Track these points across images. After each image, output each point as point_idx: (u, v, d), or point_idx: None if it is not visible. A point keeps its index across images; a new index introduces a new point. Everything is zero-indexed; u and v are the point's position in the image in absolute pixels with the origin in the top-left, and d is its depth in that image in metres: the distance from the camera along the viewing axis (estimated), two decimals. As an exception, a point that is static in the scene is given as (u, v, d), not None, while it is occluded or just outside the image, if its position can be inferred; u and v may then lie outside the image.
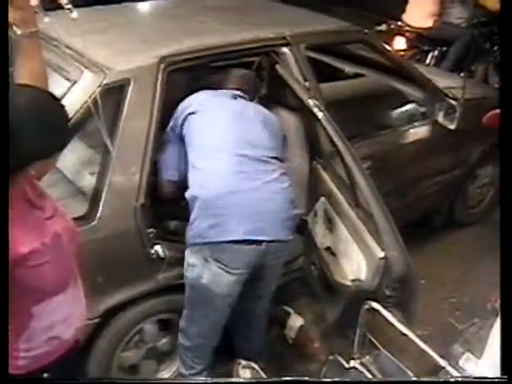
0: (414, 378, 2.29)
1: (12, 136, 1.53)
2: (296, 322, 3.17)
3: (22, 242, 1.63)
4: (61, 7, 1.92)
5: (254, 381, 2.16)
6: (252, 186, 2.52)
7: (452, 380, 1.18)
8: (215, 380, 1.71)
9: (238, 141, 2.61)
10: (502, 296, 1.02)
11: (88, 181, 2.62)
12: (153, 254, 2.60)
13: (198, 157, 2.60)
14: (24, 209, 1.70)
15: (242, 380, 2.44)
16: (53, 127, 1.62)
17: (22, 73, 1.84)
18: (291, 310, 3.22)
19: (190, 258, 2.55)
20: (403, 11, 6.54)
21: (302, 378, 2.66)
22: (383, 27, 7.46)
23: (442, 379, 2.13)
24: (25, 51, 1.84)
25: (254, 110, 2.78)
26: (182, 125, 2.67)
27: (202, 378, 2.64)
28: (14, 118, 1.54)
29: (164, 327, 2.87)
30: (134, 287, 2.63)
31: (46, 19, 1.86)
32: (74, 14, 1.88)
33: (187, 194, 2.57)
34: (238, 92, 2.80)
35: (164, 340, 2.88)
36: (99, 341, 2.63)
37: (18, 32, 1.81)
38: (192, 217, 2.53)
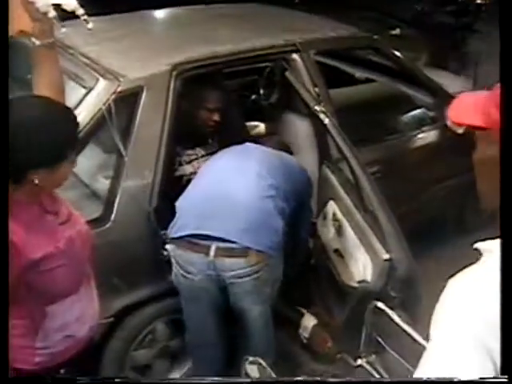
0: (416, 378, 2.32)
1: (14, 144, 1.60)
2: (310, 321, 3.18)
3: (34, 247, 1.71)
4: (76, 17, 2.00)
5: (254, 381, 2.20)
6: (218, 187, 2.62)
7: (452, 380, 1.21)
8: (215, 380, 1.75)
9: (227, 166, 2.73)
10: (502, 296, 1.07)
11: (103, 184, 2.71)
12: (165, 256, 2.68)
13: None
14: (35, 215, 1.78)
15: (242, 380, 2.49)
16: (57, 139, 1.69)
17: (40, 81, 1.92)
18: (304, 310, 3.24)
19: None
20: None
21: (302, 378, 2.72)
22: (397, 31, 7.50)
23: (442, 379, 2.17)
24: (42, 61, 1.92)
25: (275, 152, 2.85)
26: None
27: (204, 378, 2.69)
28: (19, 127, 1.61)
29: (176, 327, 2.94)
30: (147, 288, 2.72)
31: (63, 30, 1.93)
32: (90, 25, 1.94)
33: None
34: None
35: (176, 339, 2.96)
36: (113, 340, 2.71)
37: (37, 42, 1.90)
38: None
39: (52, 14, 1.86)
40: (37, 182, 1.69)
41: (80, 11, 1.92)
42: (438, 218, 4.09)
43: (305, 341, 3.20)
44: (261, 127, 3.86)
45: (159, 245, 2.66)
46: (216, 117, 2.99)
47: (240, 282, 2.55)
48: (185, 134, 2.97)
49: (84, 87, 2.62)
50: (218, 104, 2.98)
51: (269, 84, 3.77)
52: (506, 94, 1.11)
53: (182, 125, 2.81)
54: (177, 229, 2.60)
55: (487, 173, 1.20)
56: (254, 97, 3.90)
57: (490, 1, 8.07)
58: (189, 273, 2.57)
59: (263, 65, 3.62)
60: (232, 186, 2.62)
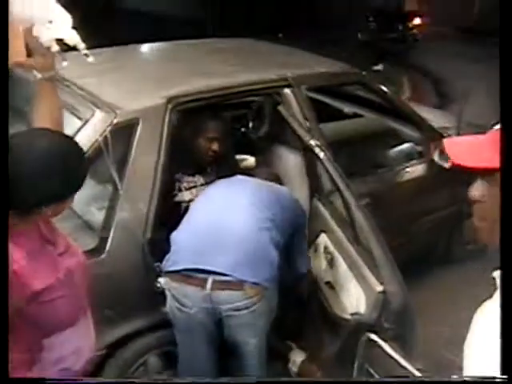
0: (415, 378, 2.33)
1: (30, 178, 1.63)
2: (298, 356, 3.18)
3: (36, 278, 1.70)
4: (74, 49, 2.02)
5: (255, 381, 2.20)
6: (213, 220, 2.63)
7: (452, 380, 1.22)
8: (215, 380, 1.75)
9: (221, 199, 2.74)
10: (502, 296, 1.12)
11: (96, 216, 2.72)
12: (159, 288, 2.68)
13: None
14: (38, 245, 1.78)
15: (242, 380, 2.47)
16: (72, 171, 1.72)
17: (40, 113, 1.95)
18: (293, 345, 3.23)
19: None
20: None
21: (302, 379, 2.71)
22: (379, 67, 7.68)
23: (441, 379, 2.17)
24: (43, 93, 1.95)
25: (267, 184, 2.88)
26: None
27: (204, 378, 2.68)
28: (34, 161, 1.64)
29: (168, 359, 2.92)
30: (141, 319, 2.72)
31: (65, 63, 1.96)
32: (91, 59, 1.98)
33: None
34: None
35: (168, 371, 2.94)
36: (105, 372, 2.69)
37: (38, 76, 1.93)
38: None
39: (55, 48, 1.90)
40: (49, 213, 1.71)
41: (81, 45, 1.96)
42: (425, 249, 4.14)
43: (294, 375, 3.19)
44: (250, 160, 3.90)
45: (153, 277, 2.66)
46: (215, 146, 3.02)
47: (236, 315, 2.55)
48: (185, 162, 3.02)
49: (80, 118, 2.64)
50: (217, 133, 3.02)
51: (258, 117, 3.84)
52: (505, 99, 1.17)
53: (181, 152, 2.86)
54: (172, 263, 2.60)
55: (486, 211, 1.24)
56: (243, 130, 3.95)
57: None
58: (184, 306, 2.57)
59: (252, 99, 3.69)
60: (227, 218, 2.63)
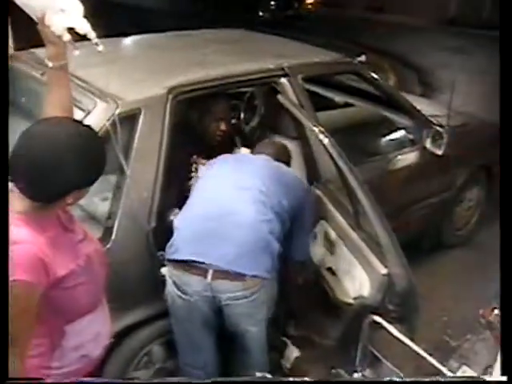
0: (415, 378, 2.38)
1: (54, 167, 1.65)
2: (292, 353, 3.21)
3: (59, 265, 1.72)
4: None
5: (255, 381, 2.23)
6: (215, 213, 2.62)
7: (452, 380, 1.27)
8: (215, 380, 1.78)
9: (225, 183, 2.72)
10: (502, 299, 1.14)
11: (99, 206, 2.72)
12: (163, 276, 2.70)
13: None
14: (59, 233, 1.80)
15: (242, 379, 2.50)
16: (93, 159, 1.74)
17: (51, 102, 1.96)
18: (288, 341, 3.24)
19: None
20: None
21: (302, 379, 2.75)
22: (362, 58, 7.72)
23: (442, 379, 2.23)
24: (54, 82, 1.96)
25: (273, 165, 2.85)
26: None
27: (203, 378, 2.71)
28: (56, 151, 1.66)
29: (172, 348, 2.94)
30: (146, 308, 2.73)
31: (76, 52, 1.96)
32: (101, 48, 1.99)
33: None
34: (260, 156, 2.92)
35: (172, 360, 2.96)
36: (111, 361, 2.70)
37: (50, 65, 1.94)
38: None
39: (67, 37, 1.91)
40: (70, 201, 1.73)
41: (92, 34, 1.97)
42: (416, 235, 4.20)
43: (286, 371, 3.22)
44: (244, 151, 3.92)
45: (157, 265, 2.68)
46: (223, 126, 3.13)
47: (236, 304, 2.57)
48: (196, 146, 3.09)
49: (82, 110, 2.63)
50: (223, 114, 3.14)
51: (249, 108, 3.86)
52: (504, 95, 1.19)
53: (191, 137, 2.89)
54: (174, 250, 2.61)
55: None
56: (234, 121, 3.97)
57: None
58: (185, 293, 2.59)
59: (244, 90, 3.71)
60: (228, 207, 2.64)
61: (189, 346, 2.75)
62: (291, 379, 1.88)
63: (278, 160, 2.90)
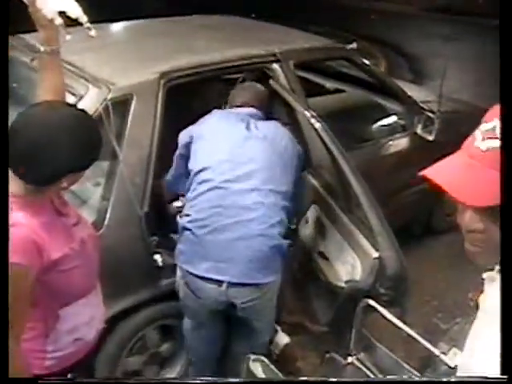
0: (415, 378, 2.41)
1: (48, 150, 1.65)
2: (282, 339, 3.23)
3: (53, 248, 1.73)
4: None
5: (254, 380, 2.24)
6: (224, 223, 2.52)
7: (452, 380, 1.28)
8: (215, 380, 1.78)
9: (226, 171, 2.57)
10: (502, 294, 1.15)
11: (91, 191, 2.72)
12: (155, 262, 2.71)
13: (189, 186, 2.65)
14: (52, 216, 1.81)
15: (241, 380, 2.52)
16: (87, 142, 1.75)
17: (44, 86, 1.96)
18: (278, 328, 3.25)
19: (177, 270, 2.69)
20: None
21: (302, 379, 2.78)
22: (354, 45, 7.73)
23: (442, 379, 2.26)
24: (47, 66, 1.96)
25: (263, 133, 2.69)
26: (188, 146, 2.71)
27: (203, 378, 2.74)
28: (52, 133, 1.66)
29: (166, 333, 2.97)
30: (139, 293, 2.74)
31: (68, 37, 1.95)
32: (93, 33, 1.98)
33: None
34: (249, 111, 2.77)
35: (166, 345, 2.99)
36: (105, 346, 2.71)
37: (42, 49, 1.94)
38: (178, 236, 2.67)
39: (58, 21, 1.90)
40: (65, 185, 1.73)
41: (84, 19, 1.96)
42: (407, 221, 4.23)
43: (275, 357, 3.23)
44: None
45: (150, 250, 2.69)
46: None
47: (251, 305, 2.61)
48: None
49: (74, 95, 2.63)
50: (216, 99, 3.15)
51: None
52: (505, 92, 1.18)
53: (185, 120, 2.83)
54: (186, 260, 2.58)
55: (482, 241, 1.18)
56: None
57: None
58: (200, 298, 2.61)
59: (232, 76, 3.70)
60: (240, 215, 2.53)
61: (200, 339, 2.82)
62: (291, 379, 1.89)
63: (261, 110, 2.81)
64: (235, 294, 2.54)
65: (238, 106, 2.81)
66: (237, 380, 2.35)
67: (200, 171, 2.61)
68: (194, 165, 2.66)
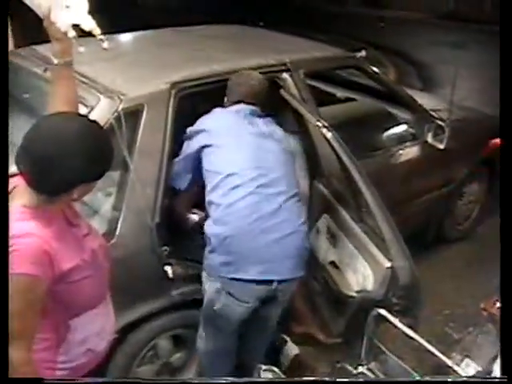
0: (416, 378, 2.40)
1: (61, 160, 1.66)
2: (292, 350, 3.23)
3: (64, 259, 1.74)
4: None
5: (255, 381, 2.24)
6: (264, 228, 2.58)
7: (452, 380, 1.27)
8: (216, 380, 1.78)
9: (253, 175, 2.62)
10: (502, 298, 1.14)
11: (103, 202, 2.73)
12: (166, 273, 2.71)
13: (216, 192, 2.62)
14: (63, 227, 1.82)
15: (241, 380, 2.52)
16: (99, 153, 1.75)
17: (57, 98, 1.97)
18: (288, 338, 3.27)
19: (206, 283, 2.68)
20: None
21: (303, 379, 2.78)
22: (363, 53, 7.73)
23: (442, 379, 2.25)
24: (60, 78, 1.97)
25: (268, 131, 2.78)
26: (199, 153, 2.71)
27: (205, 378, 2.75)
28: (64, 144, 1.67)
29: (177, 343, 2.96)
30: (150, 304, 2.74)
31: (81, 49, 1.97)
32: (106, 45, 1.99)
33: (206, 229, 2.64)
34: (250, 108, 2.80)
35: (177, 355, 2.98)
36: (116, 356, 2.72)
37: (55, 61, 1.95)
38: (209, 248, 2.62)
39: (72, 33, 1.92)
40: (76, 196, 1.74)
41: (97, 31, 1.98)
42: (418, 230, 4.21)
43: (283, 368, 3.22)
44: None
45: (161, 261, 2.69)
46: None
47: (288, 298, 2.77)
48: None
49: (85, 106, 2.64)
50: None
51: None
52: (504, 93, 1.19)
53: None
54: (234, 270, 2.57)
55: None
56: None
57: None
58: (245, 302, 2.62)
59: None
60: (274, 218, 2.60)
61: (221, 337, 2.79)
62: (294, 379, 1.89)
63: (254, 104, 2.82)
64: (283, 289, 2.66)
65: (236, 102, 2.83)
66: (237, 380, 2.36)
67: (228, 175, 2.62)
68: (214, 167, 2.67)
